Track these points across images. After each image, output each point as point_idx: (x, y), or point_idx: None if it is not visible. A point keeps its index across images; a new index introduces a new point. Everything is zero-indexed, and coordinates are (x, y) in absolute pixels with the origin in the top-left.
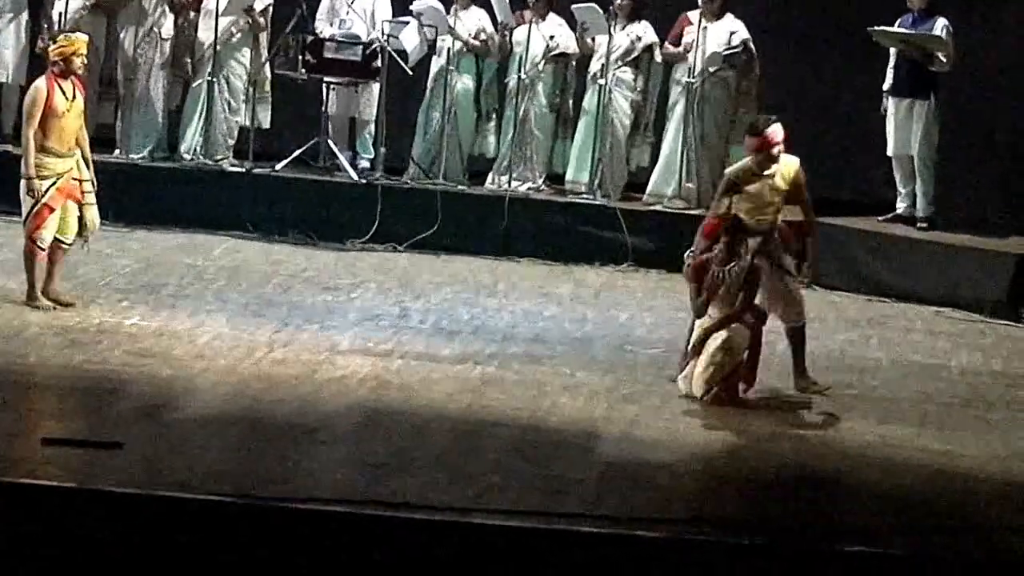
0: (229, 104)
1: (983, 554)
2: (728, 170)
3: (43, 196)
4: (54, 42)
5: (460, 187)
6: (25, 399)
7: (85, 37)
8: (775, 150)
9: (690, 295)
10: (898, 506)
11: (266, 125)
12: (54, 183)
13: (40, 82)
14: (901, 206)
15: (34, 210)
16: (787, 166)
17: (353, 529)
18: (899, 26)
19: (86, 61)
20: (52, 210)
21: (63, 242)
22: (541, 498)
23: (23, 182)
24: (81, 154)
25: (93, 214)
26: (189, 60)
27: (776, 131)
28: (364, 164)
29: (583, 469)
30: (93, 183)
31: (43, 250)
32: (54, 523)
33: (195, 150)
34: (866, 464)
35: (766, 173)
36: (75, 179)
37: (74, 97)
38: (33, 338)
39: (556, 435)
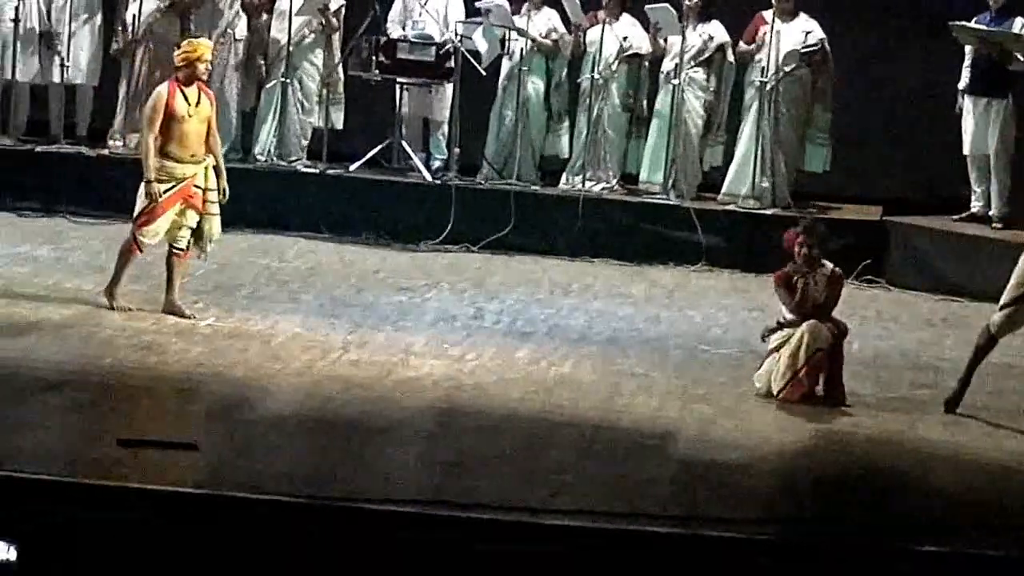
0: (303, 105)
1: None
2: None
3: (159, 199)
4: (178, 48)
5: (533, 188)
6: (101, 400)
7: (209, 43)
8: None
9: (782, 302)
10: (970, 506)
11: (339, 126)
12: (172, 187)
13: (162, 87)
14: (976, 205)
15: (146, 209)
16: None
17: (424, 528)
18: (976, 24)
19: (210, 68)
20: (164, 211)
21: (177, 249)
22: (613, 499)
23: (142, 184)
24: (214, 162)
25: (213, 225)
26: (263, 61)
27: None
28: (437, 164)
29: (655, 470)
30: (225, 192)
31: (141, 250)
32: (130, 523)
33: (269, 151)
34: (938, 464)
35: None
36: (198, 186)
37: (198, 103)
38: (108, 340)
39: (629, 435)
